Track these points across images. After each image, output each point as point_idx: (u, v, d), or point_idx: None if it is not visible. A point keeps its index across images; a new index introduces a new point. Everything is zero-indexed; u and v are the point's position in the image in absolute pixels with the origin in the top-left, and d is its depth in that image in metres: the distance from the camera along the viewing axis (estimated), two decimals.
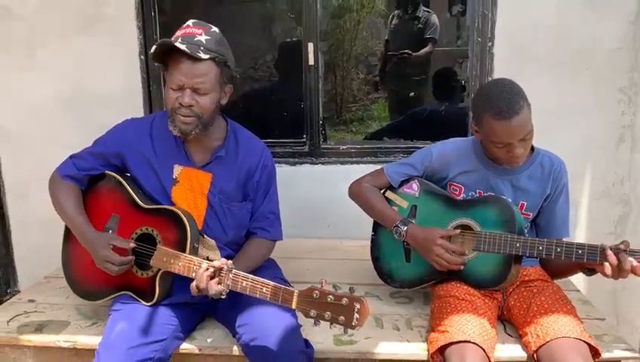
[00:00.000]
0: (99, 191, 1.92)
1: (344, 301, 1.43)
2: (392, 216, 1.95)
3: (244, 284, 1.60)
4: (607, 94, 2.48)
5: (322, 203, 2.64)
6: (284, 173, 2.65)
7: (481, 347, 1.59)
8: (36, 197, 2.70)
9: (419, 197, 1.98)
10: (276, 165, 2.59)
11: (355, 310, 1.42)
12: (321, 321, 1.47)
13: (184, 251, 1.72)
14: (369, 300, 2.01)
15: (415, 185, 1.99)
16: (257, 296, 1.58)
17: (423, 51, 2.80)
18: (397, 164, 2.05)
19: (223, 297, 1.64)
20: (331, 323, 1.46)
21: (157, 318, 1.72)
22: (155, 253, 1.74)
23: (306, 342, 1.72)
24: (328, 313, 1.45)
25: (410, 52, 2.80)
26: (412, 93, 2.99)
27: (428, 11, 2.81)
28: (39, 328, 1.88)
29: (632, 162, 2.52)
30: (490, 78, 2.52)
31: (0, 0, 2.62)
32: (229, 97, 1.85)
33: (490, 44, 2.51)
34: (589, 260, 1.65)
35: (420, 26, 2.81)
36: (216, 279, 1.62)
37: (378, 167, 2.08)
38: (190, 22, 1.77)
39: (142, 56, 2.63)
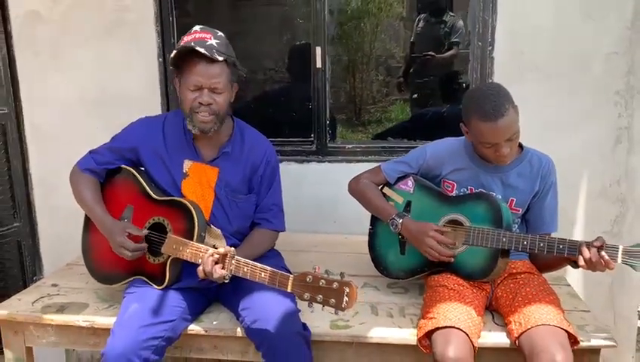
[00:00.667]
0: (115, 184, 2.08)
1: (335, 285, 1.56)
2: (388, 210, 2.07)
3: (245, 270, 1.74)
4: (605, 97, 2.55)
5: (328, 199, 2.75)
6: (292, 170, 2.79)
7: (465, 332, 1.70)
8: (61, 192, 2.86)
9: (413, 193, 2.10)
10: (285, 163, 2.77)
11: (345, 293, 1.55)
12: (313, 303, 1.60)
13: (192, 239, 1.86)
14: (367, 290, 2.18)
15: (410, 182, 2.11)
16: (257, 280, 1.72)
17: (447, 54, 2.90)
18: (393, 162, 2.17)
19: (226, 281, 1.78)
20: (323, 305, 1.59)
21: (167, 301, 1.87)
22: (165, 241, 1.89)
23: (304, 325, 1.85)
24: (320, 296, 1.58)
25: (433, 54, 2.90)
26: (415, 95, 3.09)
27: (453, 16, 2.91)
28: (61, 309, 2.04)
29: (629, 163, 2.58)
30: (490, 81, 2.61)
31: (29, 5, 2.79)
32: (235, 96, 2.00)
33: (490, 48, 2.60)
34: (569, 254, 1.75)
35: (446, 29, 2.91)
36: (220, 264, 1.77)
37: None
38: (197, 27, 1.93)
39: (160, 59, 2.78)
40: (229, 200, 2.03)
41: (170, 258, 1.89)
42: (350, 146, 2.82)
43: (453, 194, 2.04)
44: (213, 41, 1.88)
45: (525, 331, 1.72)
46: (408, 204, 2.10)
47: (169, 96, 2.83)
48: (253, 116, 2.78)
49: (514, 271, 1.99)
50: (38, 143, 2.94)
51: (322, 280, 1.58)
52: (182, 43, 1.88)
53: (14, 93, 2.86)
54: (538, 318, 1.73)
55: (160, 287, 1.90)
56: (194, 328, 1.92)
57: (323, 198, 2.78)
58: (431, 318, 1.78)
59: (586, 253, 1.70)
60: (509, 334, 1.80)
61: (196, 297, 1.97)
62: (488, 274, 1.90)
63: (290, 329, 1.78)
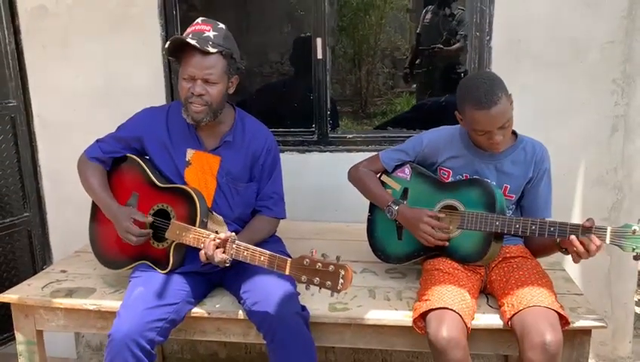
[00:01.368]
0: (121, 172, 2.15)
1: (331, 268, 1.62)
2: (385, 198, 2.13)
3: (245, 254, 1.80)
4: (601, 86, 2.58)
5: (330, 188, 2.80)
6: (294, 160, 2.84)
7: (458, 314, 1.75)
8: (70, 182, 2.93)
9: (410, 180, 2.15)
10: (287, 153, 2.82)
11: (340, 276, 1.61)
12: (310, 285, 1.66)
13: (194, 225, 1.93)
14: (366, 275, 2.24)
15: (407, 170, 2.16)
16: (256, 263, 1.78)
17: (454, 47, 2.92)
18: (391, 151, 2.22)
19: (227, 265, 1.84)
20: (320, 287, 1.65)
21: (171, 284, 1.93)
22: (169, 226, 1.96)
23: (303, 307, 1.91)
24: (317, 278, 1.64)
25: (441, 46, 2.93)
26: (421, 87, 3.12)
27: (462, 9, 2.92)
28: (69, 293, 2.11)
29: (625, 151, 2.61)
30: (489, 70, 2.65)
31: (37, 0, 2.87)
32: (235, 87, 2.06)
33: (488, 38, 2.63)
34: (559, 236, 1.80)
35: (453, 22, 2.93)
36: (222, 249, 1.83)
37: None
38: (199, 19, 1.99)
39: (164, 52, 2.84)
40: (231, 188, 2.09)
41: (174, 243, 1.96)
42: (351, 136, 2.87)
43: (450, 181, 2.09)
44: (211, 33, 1.94)
45: (517, 312, 1.77)
46: (405, 191, 2.15)
47: (173, 87, 2.88)
48: (255, 107, 2.86)
49: (508, 255, 2.03)
50: (47, 135, 3.01)
51: (319, 263, 1.64)
52: (185, 34, 1.95)
53: (23, 86, 2.92)
54: (530, 300, 1.78)
55: (164, 271, 1.97)
56: (197, 311, 1.98)
57: (324, 187, 2.83)
58: (426, 300, 1.84)
59: (576, 242, 1.75)
60: (502, 316, 1.85)
61: (199, 281, 2.03)
62: (482, 257, 1.95)
63: (289, 310, 1.84)
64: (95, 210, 2.19)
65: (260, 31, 2.98)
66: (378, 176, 2.24)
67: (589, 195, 2.69)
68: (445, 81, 3.01)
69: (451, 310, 1.75)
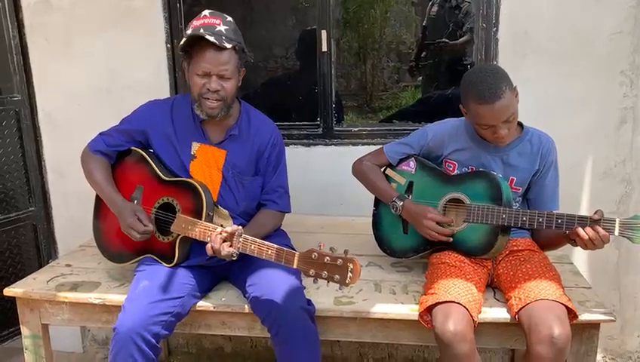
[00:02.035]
0: (125, 165, 2.14)
1: (339, 261, 1.61)
2: (389, 193, 2.11)
3: (252, 247, 1.79)
4: (609, 77, 2.55)
5: (335, 182, 2.78)
6: (299, 154, 2.83)
7: (465, 307, 1.74)
8: (74, 177, 2.93)
9: (415, 174, 2.13)
10: (292, 147, 2.81)
11: (349, 269, 1.59)
12: (318, 279, 1.65)
13: (200, 219, 1.92)
14: (372, 269, 2.22)
15: (412, 163, 2.14)
16: (264, 257, 1.77)
17: (460, 40, 2.87)
18: (396, 144, 2.20)
19: (234, 258, 1.83)
20: (328, 281, 1.63)
21: (176, 278, 1.93)
22: (174, 220, 1.95)
23: (309, 301, 1.90)
24: (325, 272, 1.62)
25: (447, 41, 2.89)
26: (426, 81, 3.09)
27: (468, 1, 2.87)
28: (74, 287, 2.11)
29: (634, 143, 2.58)
30: (495, 63, 2.62)
31: None
32: (242, 80, 2.04)
33: (494, 29, 2.61)
34: (567, 228, 1.78)
35: (460, 15, 2.89)
36: (228, 242, 1.82)
37: None
38: (206, 12, 1.96)
39: (168, 45, 2.82)
40: (236, 182, 2.08)
41: (180, 237, 1.95)
42: (356, 129, 2.85)
43: (455, 173, 2.07)
44: (222, 27, 1.91)
45: (525, 306, 1.75)
46: (410, 185, 2.14)
47: (177, 82, 2.87)
48: (260, 100, 2.84)
49: (515, 248, 2.02)
50: (51, 129, 3.01)
51: (327, 257, 1.63)
52: (191, 27, 1.92)
53: (27, 80, 2.92)
54: (537, 293, 1.76)
55: (169, 265, 1.96)
56: (202, 305, 1.98)
57: (329, 181, 2.81)
58: (432, 294, 1.82)
59: (582, 233, 1.73)
60: (509, 309, 1.84)
61: (205, 275, 2.03)
62: (489, 250, 1.93)
63: (294, 304, 1.83)
64: (99, 203, 2.18)
65: (264, 24, 2.96)
66: (383, 169, 2.22)
67: (596, 188, 2.66)
68: (451, 73, 2.97)
69: (458, 303, 1.74)
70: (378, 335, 1.97)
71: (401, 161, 2.17)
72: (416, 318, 1.84)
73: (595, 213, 1.75)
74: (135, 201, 2.06)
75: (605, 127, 2.60)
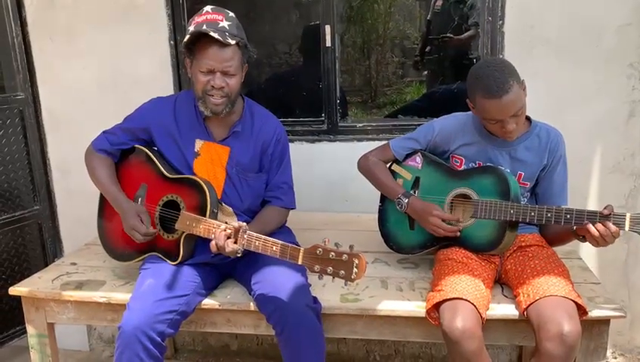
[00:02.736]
0: (129, 163, 2.13)
1: (344, 257, 1.59)
2: (395, 189, 2.09)
3: (256, 244, 1.77)
4: (618, 70, 2.51)
5: (340, 178, 2.76)
6: (303, 150, 2.81)
7: (473, 304, 1.72)
8: (79, 174, 2.91)
9: (422, 169, 2.11)
10: (296, 143, 2.79)
11: (354, 265, 1.58)
12: (324, 275, 1.63)
13: (205, 216, 1.90)
14: (378, 265, 2.20)
15: (418, 158, 2.12)
16: (268, 253, 1.75)
17: (465, 35, 2.82)
18: (402, 139, 2.18)
19: (238, 255, 1.82)
20: (333, 277, 1.62)
21: (181, 276, 1.92)
22: (179, 217, 1.94)
23: (315, 299, 1.88)
24: (330, 268, 1.61)
25: (451, 35, 2.85)
26: (431, 76, 3.06)
27: None
28: (79, 286, 2.10)
29: None
30: (501, 57, 2.59)
31: None
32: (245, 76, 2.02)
33: (500, 22, 2.57)
34: (576, 224, 1.75)
35: (465, 8, 2.84)
36: (233, 239, 1.80)
37: None
38: (208, 8, 1.94)
39: (171, 42, 2.80)
40: (240, 179, 2.06)
41: (184, 234, 1.93)
42: (361, 125, 2.83)
43: (462, 169, 2.05)
44: (225, 23, 1.89)
45: (533, 302, 1.73)
46: (417, 180, 2.12)
47: (181, 78, 2.86)
48: (264, 97, 2.82)
49: (523, 244, 1.99)
50: (55, 127, 3.00)
51: (332, 253, 1.61)
52: (193, 24, 1.90)
53: (31, 78, 2.92)
54: (546, 289, 1.74)
55: (174, 263, 1.95)
56: (207, 302, 1.97)
57: (334, 177, 2.80)
58: (439, 290, 1.80)
59: (592, 229, 1.70)
60: (517, 306, 1.82)
61: (210, 272, 2.01)
62: (496, 246, 1.91)
63: (300, 301, 1.81)
64: (103, 202, 2.17)
65: (266, 20, 2.93)
66: (389, 165, 2.20)
67: (605, 182, 2.63)
68: (457, 68, 2.93)
69: (465, 300, 1.72)
70: (385, 332, 1.95)
71: (408, 156, 2.15)
72: (424, 315, 1.82)
73: (605, 208, 1.72)
74: (139, 199, 2.04)
75: (614, 120, 2.56)
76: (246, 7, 2.90)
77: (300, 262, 1.68)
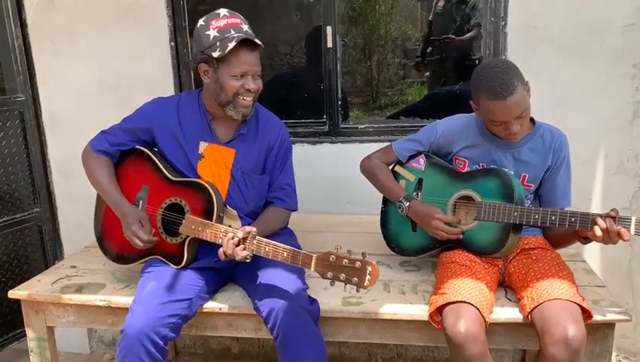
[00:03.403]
0: (129, 165, 2.10)
1: (357, 264, 1.59)
2: (396, 192, 2.08)
3: (266, 249, 1.76)
4: (621, 70, 2.49)
5: (342, 180, 2.75)
6: (305, 151, 2.80)
7: (476, 307, 1.70)
8: (80, 176, 2.89)
9: (425, 171, 2.09)
10: (298, 144, 2.77)
11: (367, 272, 1.58)
12: (336, 282, 1.64)
13: (211, 220, 1.88)
14: (380, 268, 2.13)
15: (421, 160, 2.10)
16: (279, 259, 1.75)
17: (467, 36, 2.80)
18: (405, 141, 2.16)
19: (248, 261, 1.80)
20: (345, 284, 1.62)
21: (184, 280, 1.90)
22: (183, 221, 1.92)
23: (312, 302, 1.86)
24: (343, 274, 1.61)
25: (453, 37, 2.83)
26: (432, 77, 3.04)
27: None
28: (79, 289, 2.09)
29: None
30: (504, 57, 2.57)
31: None
32: None
33: (503, 23, 2.56)
34: (580, 227, 1.73)
35: (467, 10, 2.82)
36: (242, 246, 1.79)
37: None
38: (225, 12, 1.93)
39: (172, 43, 2.79)
40: (246, 181, 2.05)
41: (189, 238, 1.91)
42: (363, 126, 2.81)
43: (465, 171, 2.03)
44: (246, 26, 1.92)
45: (537, 306, 1.71)
46: (420, 182, 2.10)
47: (181, 80, 2.85)
48: (265, 98, 2.79)
49: (527, 246, 1.97)
50: (55, 129, 2.99)
51: (345, 260, 1.61)
52: (215, 29, 1.87)
53: (31, 80, 2.90)
54: (550, 293, 1.72)
55: (178, 267, 1.93)
56: (209, 306, 1.95)
57: (336, 179, 2.78)
58: (442, 294, 1.79)
59: (602, 223, 1.68)
60: (521, 309, 1.80)
61: (212, 276, 2.00)
62: (500, 249, 1.89)
63: (296, 304, 1.79)
64: (101, 203, 2.15)
65: (268, 20, 2.92)
66: (392, 166, 2.18)
67: (609, 184, 2.61)
68: (459, 69, 2.92)
69: (469, 303, 1.70)
70: (387, 336, 1.93)
71: (411, 157, 2.13)
72: (427, 319, 1.80)
73: (611, 210, 1.70)
74: (140, 201, 2.02)
75: (618, 121, 2.55)
76: (247, 7, 2.88)
77: (312, 269, 1.68)
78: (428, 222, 1.96)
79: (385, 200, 2.21)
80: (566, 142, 1.97)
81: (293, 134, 2.73)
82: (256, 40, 1.87)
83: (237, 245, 1.79)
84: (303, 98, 2.89)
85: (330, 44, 2.71)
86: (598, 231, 1.69)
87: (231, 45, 1.83)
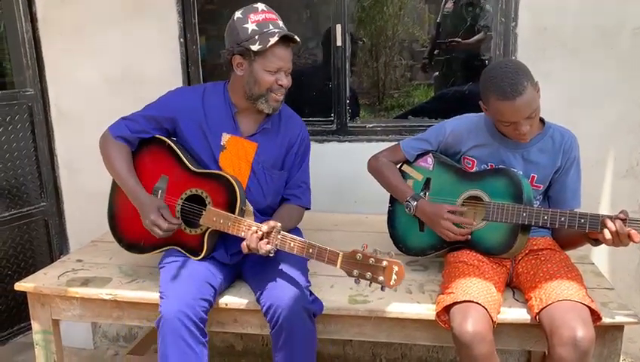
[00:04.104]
0: (148, 153, 2.08)
1: (384, 263, 1.60)
2: (404, 191, 2.07)
3: (291, 245, 1.77)
4: (632, 72, 2.48)
5: (349, 179, 2.74)
6: (312, 150, 2.75)
7: (484, 307, 1.69)
8: (86, 171, 2.94)
9: (433, 170, 2.08)
10: None
11: (394, 271, 1.59)
12: (361, 280, 1.64)
13: (233, 213, 1.87)
14: None
15: (430, 159, 2.09)
16: (304, 255, 1.75)
17: (474, 39, 2.79)
18: (413, 140, 2.15)
19: (271, 256, 1.80)
20: (371, 282, 1.63)
21: (208, 270, 1.90)
22: (204, 213, 1.91)
23: (314, 299, 1.86)
24: (369, 273, 1.62)
25: (459, 40, 2.81)
26: (439, 80, 3.03)
27: None
28: (85, 283, 2.09)
29: None
30: (514, 58, 2.56)
31: None
32: None
33: (513, 24, 2.55)
34: (590, 229, 1.72)
35: (475, 12, 2.80)
36: (265, 240, 1.78)
37: None
38: (263, 7, 1.94)
39: (181, 39, 2.79)
40: (266, 175, 2.05)
41: (209, 230, 1.91)
42: (370, 125, 2.81)
43: (474, 170, 2.02)
44: (281, 23, 1.94)
45: (546, 307, 1.70)
46: (428, 181, 2.09)
47: (190, 76, 2.85)
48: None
49: (535, 247, 1.96)
50: (64, 124, 2.99)
51: (372, 259, 1.62)
52: (253, 22, 1.88)
53: (40, 75, 2.92)
54: (559, 294, 1.70)
55: (197, 258, 1.93)
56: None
57: (343, 178, 2.77)
58: (450, 293, 1.78)
59: (612, 225, 1.67)
60: (529, 310, 1.78)
61: (227, 272, 2.00)
62: (508, 249, 1.88)
63: (296, 302, 1.78)
64: (116, 188, 2.11)
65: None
66: (399, 165, 2.17)
67: (618, 187, 2.60)
68: (466, 71, 2.91)
69: (477, 303, 1.69)
70: (394, 335, 1.92)
71: (419, 157, 2.12)
72: (433, 318, 1.79)
73: (621, 212, 1.69)
74: (159, 191, 2.01)
75: (628, 123, 2.53)
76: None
77: (338, 267, 1.68)
78: (437, 221, 1.95)
79: (392, 200, 2.20)
80: (576, 143, 1.96)
81: None
82: (295, 37, 1.89)
83: (260, 239, 1.79)
84: (311, 96, 2.89)
85: (339, 43, 2.70)
86: (607, 234, 1.68)
87: (272, 40, 1.85)
